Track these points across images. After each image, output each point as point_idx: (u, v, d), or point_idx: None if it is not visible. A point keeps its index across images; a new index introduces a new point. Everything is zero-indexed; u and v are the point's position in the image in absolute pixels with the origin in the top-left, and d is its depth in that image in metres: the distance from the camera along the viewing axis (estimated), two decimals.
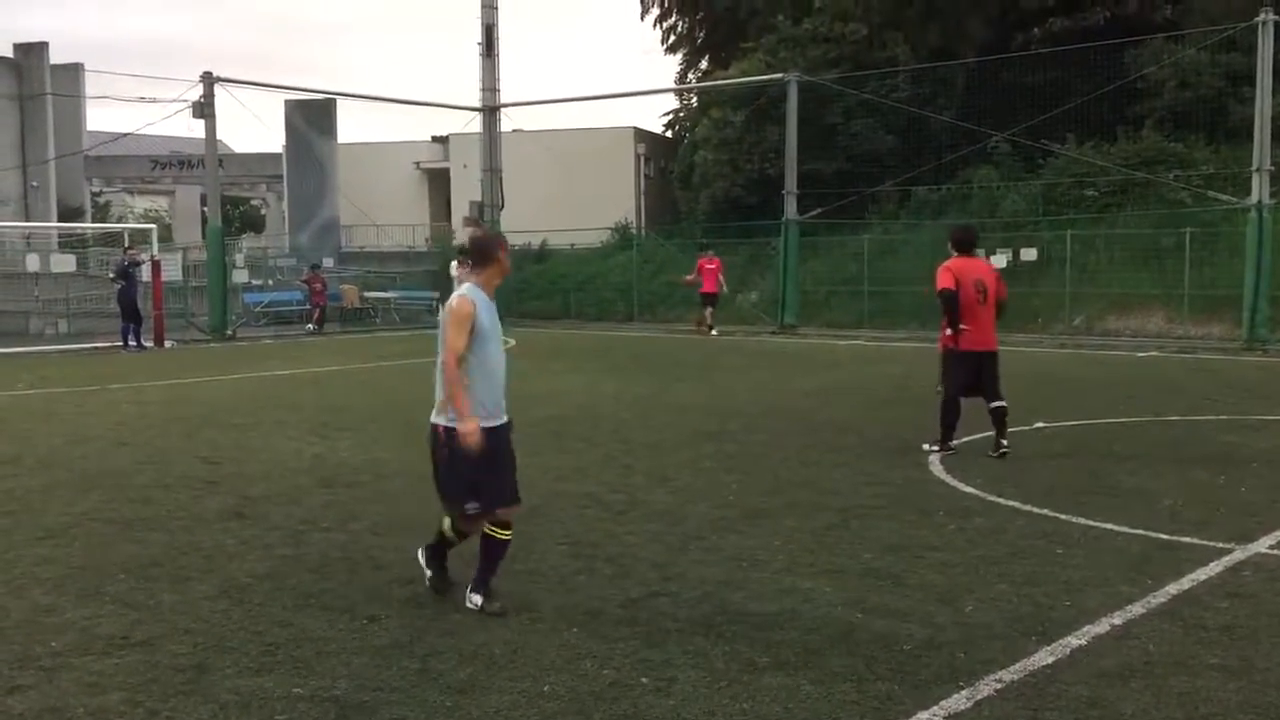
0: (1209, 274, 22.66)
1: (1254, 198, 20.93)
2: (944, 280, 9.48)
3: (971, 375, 9.56)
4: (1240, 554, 6.31)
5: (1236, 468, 8.88)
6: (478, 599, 5.46)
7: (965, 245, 9.80)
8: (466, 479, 5.38)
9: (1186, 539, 6.64)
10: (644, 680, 4.54)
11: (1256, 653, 4.77)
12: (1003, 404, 9.55)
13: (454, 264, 18.32)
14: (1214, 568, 6.04)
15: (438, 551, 5.77)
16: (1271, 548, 6.45)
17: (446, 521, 5.66)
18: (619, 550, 6.55)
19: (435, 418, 5.49)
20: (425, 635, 5.10)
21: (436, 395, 5.50)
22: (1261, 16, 20.86)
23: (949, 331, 9.55)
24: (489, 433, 5.39)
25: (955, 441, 9.70)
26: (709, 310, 26.20)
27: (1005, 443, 9.44)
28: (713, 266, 26.02)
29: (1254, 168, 21.11)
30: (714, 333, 25.67)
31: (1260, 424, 11.27)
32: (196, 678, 4.63)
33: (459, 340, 5.36)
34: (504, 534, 5.57)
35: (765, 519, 7.31)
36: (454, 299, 5.53)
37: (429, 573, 5.75)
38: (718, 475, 8.84)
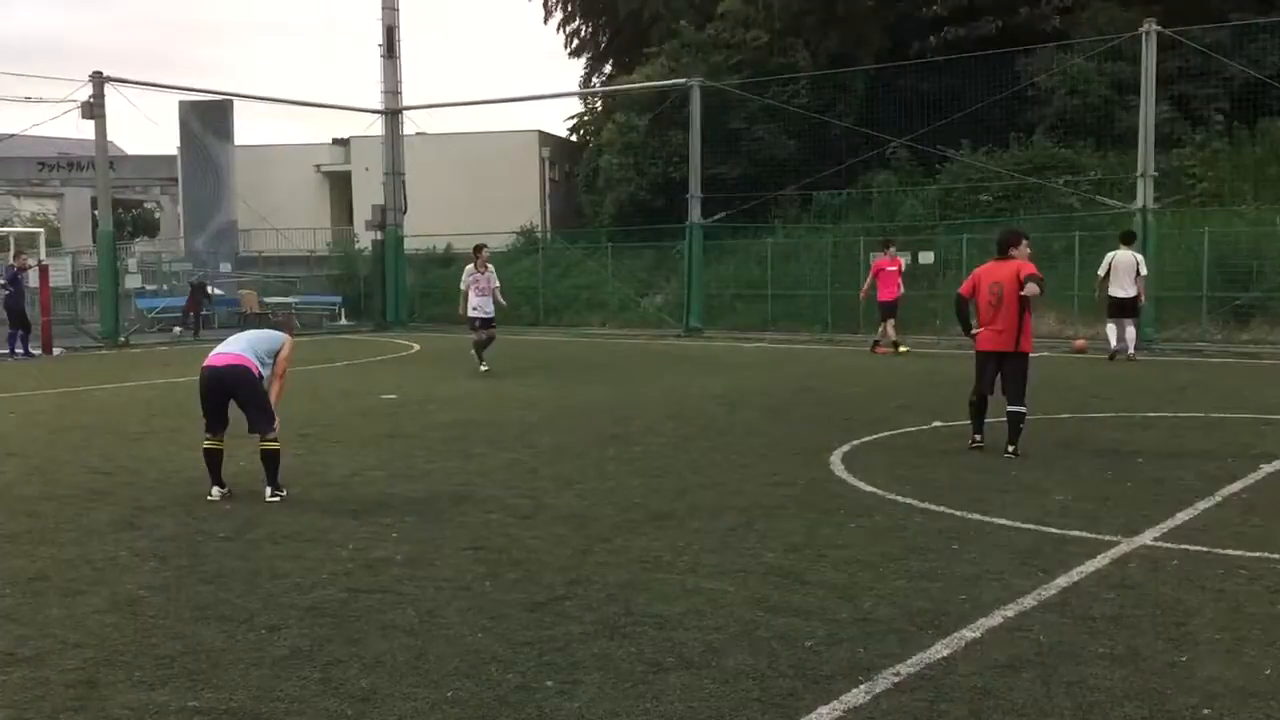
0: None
1: (1139, 202, 21.69)
2: (963, 285, 10.17)
3: (989, 374, 9.78)
4: (1126, 546, 6.53)
5: (1123, 463, 9.19)
6: (268, 491, 8.07)
7: (999, 247, 9.92)
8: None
9: (1075, 533, 6.86)
10: (549, 683, 4.54)
11: (1141, 642, 4.95)
12: (1018, 409, 9.59)
13: (469, 266, 17.60)
14: (1101, 560, 6.24)
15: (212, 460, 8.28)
16: (1156, 540, 6.70)
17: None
18: (524, 554, 6.54)
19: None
20: (326, 644, 5.03)
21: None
22: (1145, 27, 21.64)
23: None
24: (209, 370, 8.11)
25: (980, 436, 9.87)
26: (890, 322, 20.58)
27: (1013, 448, 9.49)
28: (894, 267, 20.57)
29: (1139, 173, 21.88)
30: (902, 350, 20.21)
31: (1146, 420, 11.68)
32: (87, 694, 4.50)
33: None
34: (269, 446, 8.12)
35: (670, 521, 7.36)
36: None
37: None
38: (623, 478, 8.86)
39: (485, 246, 18.42)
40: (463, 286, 17.54)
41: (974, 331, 9.93)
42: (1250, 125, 25.67)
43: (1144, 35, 21.58)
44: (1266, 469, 8.81)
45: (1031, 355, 9.83)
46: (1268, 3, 26.50)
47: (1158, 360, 18.64)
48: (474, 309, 17.44)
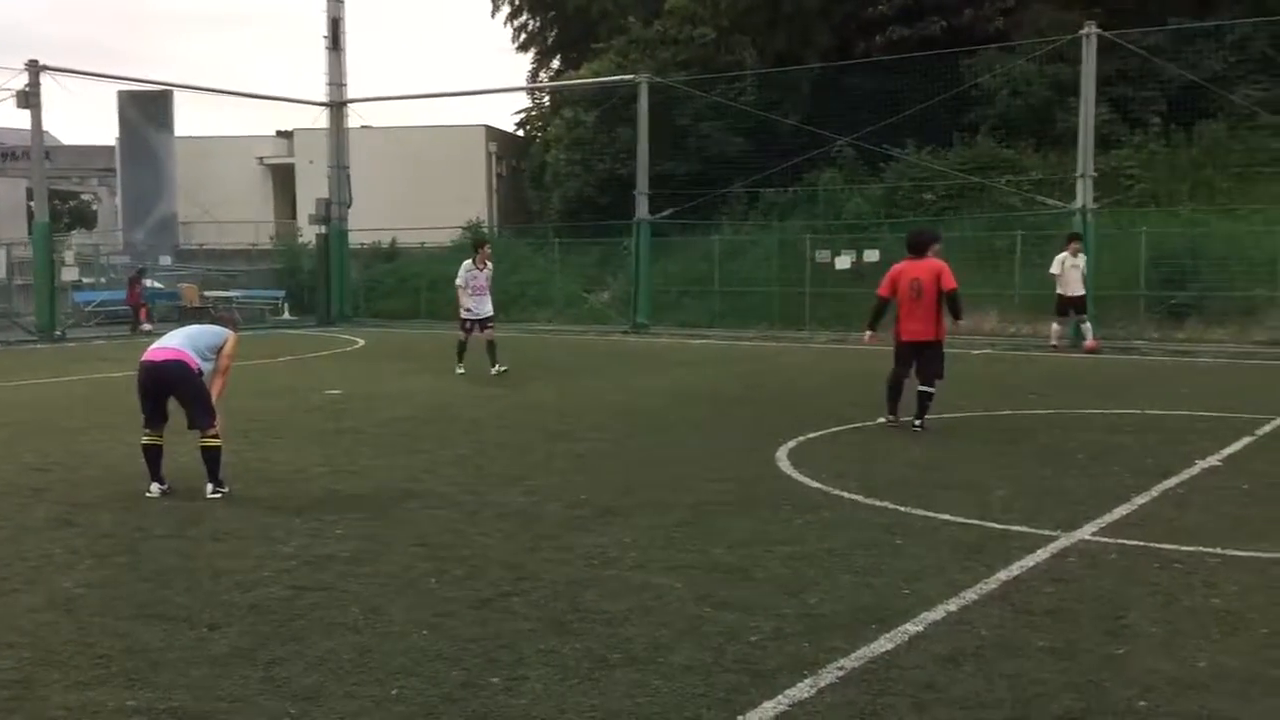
0: (1039, 275, 23.73)
1: (1078, 202, 22.05)
2: (881, 284, 11.15)
3: (908, 361, 10.87)
4: (1065, 541, 6.64)
5: (1062, 459, 9.34)
6: (209, 488, 7.94)
7: (912, 247, 11.01)
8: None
9: (1017, 528, 6.96)
10: (495, 680, 4.53)
11: (1079, 634, 5.03)
12: (929, 390, 10.72)
13: (467, 263, 16.30)
14: (1041, 554, 6.34)
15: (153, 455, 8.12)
16: (1094, 534, 6.81)
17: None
18: (471, 551, 6.51)
19: None
20: (269, 643, 4.97)
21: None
22: (1085, 30, 22.00)
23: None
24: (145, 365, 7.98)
25: (898, 416, 10.99)
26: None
27: (919, 422, 10.63)
28: None
29: (1078, 174, 22.23)
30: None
31: (1084, 417, 11.88)
32: (22, 693, 4.41)
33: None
34: (210, 443, 7.98)
35: (617, 517, 7.36)
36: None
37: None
38: (570, 475, 8.85)
39: (487, 243, 17.47)
40: (458, 283, 16.31)
41: (869, 334, 11.42)
42: (1186, 128, 26.18)
43: (1084, 38, 21.93)
44: (1201, 464, 9.00)
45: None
46: (1205, 7, 27.05)
47: (1095, 358, 18.95)
48: (467, 310, 16.26)
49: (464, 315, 16.39)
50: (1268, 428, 10.87)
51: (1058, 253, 20.07)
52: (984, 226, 25.30)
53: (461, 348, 16.48)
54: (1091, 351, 19.37)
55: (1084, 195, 21.98)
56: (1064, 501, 7.70)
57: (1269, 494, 7.95)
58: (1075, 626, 5.13)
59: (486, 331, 16.46)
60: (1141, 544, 6.54)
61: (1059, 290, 19.80)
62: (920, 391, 10.74)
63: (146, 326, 27.44)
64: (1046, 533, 6.80)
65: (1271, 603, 5.47)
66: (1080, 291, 19.75)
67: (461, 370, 16.31)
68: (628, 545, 6.62)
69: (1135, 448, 9.86)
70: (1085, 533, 6.84)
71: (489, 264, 16.62)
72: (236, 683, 4.51)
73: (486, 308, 16.45)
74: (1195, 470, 8.80)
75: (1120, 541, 6.61)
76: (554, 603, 5.52)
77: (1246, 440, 10.16)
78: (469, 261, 16.45)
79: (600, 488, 8.30)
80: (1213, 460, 9.19)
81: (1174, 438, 10.39)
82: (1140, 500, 7.73)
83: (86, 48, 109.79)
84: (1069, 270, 19.64)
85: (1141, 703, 4.27)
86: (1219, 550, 6.39)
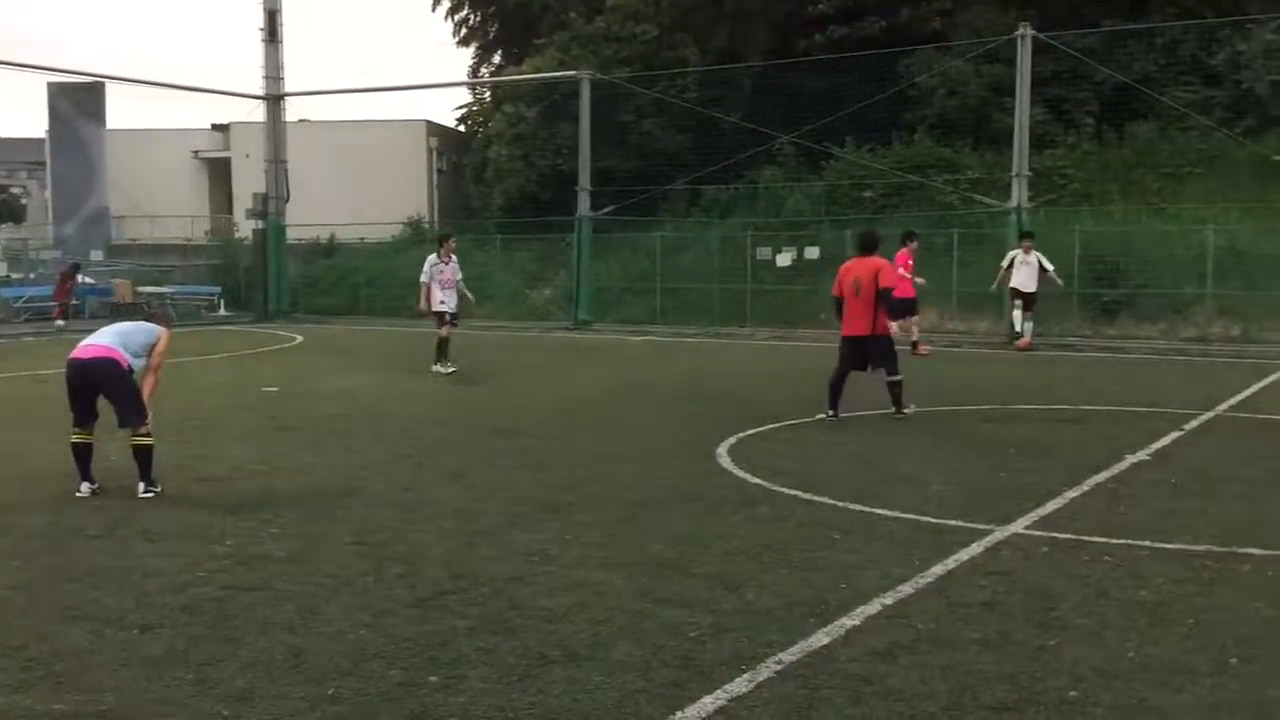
0: (975, 273, 24.04)
1: (1014, 202, 22.38)
2: (834, 285, 11.58)
3: (855, 356, 11.31)
4: (999, 534, 6.74)
5: (997, 454, 9.48)
6: (141, 487, 7.80)
7: (860, 247, 11.56)
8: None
9: (952, 522, 7.05)
10: (433, 679, 4.50)
11: (1012, 626, 5.11)
12: (894, 379, 11.24)
13: (431, 257, 16.15)
14: (975, 548, 6.43)
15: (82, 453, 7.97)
16: (1027, 528, 6.92)
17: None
18: (408, 549, 6.46)
19: None
20: (202, 643, 4.90)
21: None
22: (1020, 31, 22.33)
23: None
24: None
25: (837, 412, 11.27)
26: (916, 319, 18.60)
27: (896, 408, 11.26)
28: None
29: (1013, 173, 22.57)
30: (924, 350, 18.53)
31: (1017, 413, 12.06)
32: None
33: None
34: (141, 441, 7.83)
35: (558, 514, 7.34)
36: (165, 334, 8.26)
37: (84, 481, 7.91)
38: (511, 472, 8.82)
39: (451, 236, 17.44)
40: (423, 279, 16.10)
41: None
42: (1118, 129, 26.70)
43: (1019, 39, 22.25)
44: (1131, 459, 9.18)
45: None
46: (1137, 10, 27.60)
47: (1030, 355, 19.24)
48: (440, 303, 16.06)
49: (439, 309, 16.20)
50: (1195, 423, 11.12)
51: (1010, 251, 20.15)
52: (922, 225, 25.52)
53: (442, 344, 16.25)
54: (1024, 349, 19.60)
55: (1019, 194, 22.30)
56: (998, 496, 7.81)
57: (1196, 487, 8.14)
58: (1008, 619, 5.22)
59: (449, 328, 16.32)
60: (1073, 537, 6.66)
61: (1011, 284, 19.64)
62: (888, 383, 11.27)
63: (59, 323, 26.87)
64: (981, 527, 6.90)
65: (1197, 594, 5.61)
66: (1030, 289, 19.59)
67: (452, 369, 16.06)
68: (568, 542, 6.61)
69: (1067, 443, 10.04)
70: (1018, 527, 6.95)
71: (454, 257, 16.49)
72: (168, 685, 4.44)
73: (454, 302, 16.34)
74: (1125, 465, 8.97)
75: (1052, 535, 6.73)
76: (493, 600, 5.50)
77: (1175, 435, 10.38)
78: (433, 256, 16.36)
79: (540, 484, 8.28)
80: (1142, 455, 9.38)
81: (1105, 433, 10.59)
82: (1072, 494, 7.87)
83: (14, 37, 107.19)
84: (1020, 266, 19.53)
85: (1072, 692, 4.35)
86: (1147, 543, 6.53)
